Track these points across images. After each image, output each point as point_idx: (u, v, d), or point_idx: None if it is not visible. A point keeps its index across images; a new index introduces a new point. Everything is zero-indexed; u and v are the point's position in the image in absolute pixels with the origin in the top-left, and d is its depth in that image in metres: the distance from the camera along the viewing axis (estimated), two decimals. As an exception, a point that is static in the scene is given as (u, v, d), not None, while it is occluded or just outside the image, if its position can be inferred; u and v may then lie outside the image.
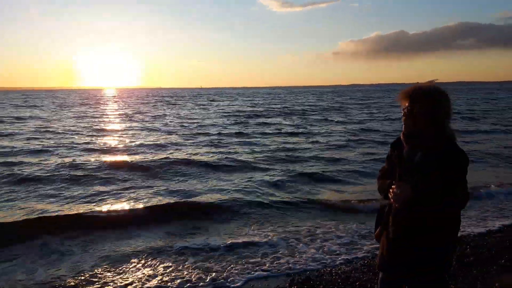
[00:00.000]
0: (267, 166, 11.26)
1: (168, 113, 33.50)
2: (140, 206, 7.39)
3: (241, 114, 31.49)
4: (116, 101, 61.38)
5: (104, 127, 22.24)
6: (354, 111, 33.91)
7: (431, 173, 2.24)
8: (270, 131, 19.88)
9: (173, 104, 49.66)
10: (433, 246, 2.28)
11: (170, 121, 25.73)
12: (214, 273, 4.76)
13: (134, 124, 24.34)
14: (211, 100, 60.72)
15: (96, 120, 27.33)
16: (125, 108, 42.19)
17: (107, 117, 30.03)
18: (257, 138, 17.65)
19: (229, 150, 14.00)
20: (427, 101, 2.27)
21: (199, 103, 52.53)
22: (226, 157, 12.40)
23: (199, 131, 19.96)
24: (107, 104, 52.01)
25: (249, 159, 12.23)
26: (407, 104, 2.32)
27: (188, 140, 16.94)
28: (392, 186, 2.34)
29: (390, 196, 2.34)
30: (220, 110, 37.06)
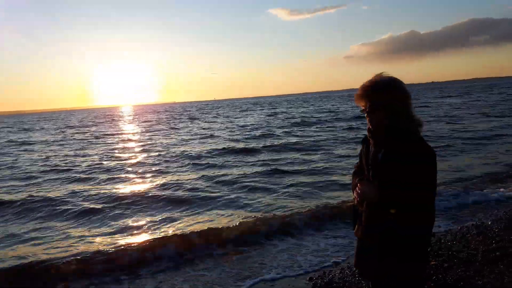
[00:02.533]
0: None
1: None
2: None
3: (315, 120, 29.57)
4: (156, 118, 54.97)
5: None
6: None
7: (391, 174, 2.19)
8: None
9: (226, 116, 45.99)
10: (396, 245, 2.21)
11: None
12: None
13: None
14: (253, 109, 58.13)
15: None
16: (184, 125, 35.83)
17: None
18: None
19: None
20: (376, 93, 2.24)
21: (252, 112, 48.29)
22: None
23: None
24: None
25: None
26: (363, 104, 2.30)
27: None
28: (358, 186, 2.32)
29: (353, 195, 2.34)
30: (283, 118, 35.34)
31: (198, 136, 23.36)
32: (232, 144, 18.19)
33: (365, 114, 2.31)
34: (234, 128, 28.01)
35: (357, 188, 2.33)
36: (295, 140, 18.24)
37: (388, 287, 2.32)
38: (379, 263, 2.30)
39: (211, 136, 23.13)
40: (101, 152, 18.68)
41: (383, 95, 2.21)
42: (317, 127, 24.47)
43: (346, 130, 21.99)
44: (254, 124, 30.29)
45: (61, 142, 24.96)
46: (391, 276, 2.29)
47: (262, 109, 57.69)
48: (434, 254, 4.96)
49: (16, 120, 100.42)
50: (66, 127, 44.21)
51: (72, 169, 13.75)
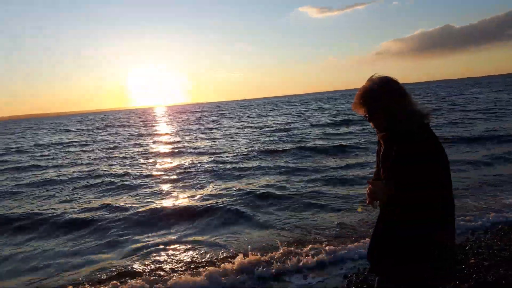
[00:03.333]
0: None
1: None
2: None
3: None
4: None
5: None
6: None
7: (396, 174, 2.20)
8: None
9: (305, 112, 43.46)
10: (394, 246, 2.25)
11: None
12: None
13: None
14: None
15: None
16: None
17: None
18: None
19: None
20: (371, 100, 2.24)
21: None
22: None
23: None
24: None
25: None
26: (361, 112, 2.31)
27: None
28: (369, 185, 2.35)
29: (366, 194, 2.37)
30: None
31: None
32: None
33: (368, 121, 2.33)
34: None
35: (368, 188, 2.36)
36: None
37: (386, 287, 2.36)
38: (379, 263, 2.35)
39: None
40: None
41: (378, 100, 2.22)
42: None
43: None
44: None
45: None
46: (388, 277, 2.33)
47: (308, 107, 55.47)
48: (474, 252, 4.84)
49: (67, 120, 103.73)
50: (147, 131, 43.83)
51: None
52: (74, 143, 27.03)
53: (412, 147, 2.14)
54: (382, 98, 2.20)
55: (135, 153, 18.81)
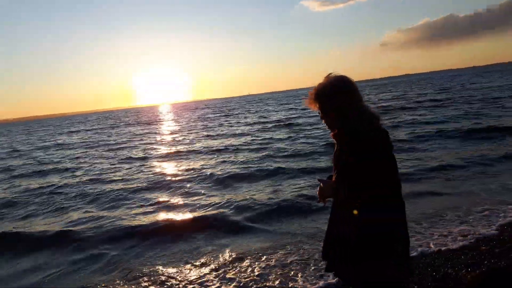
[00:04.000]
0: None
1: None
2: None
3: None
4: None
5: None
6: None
7: (344, 174, 2.26)
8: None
9: None
10: (347, 248, 2.27)
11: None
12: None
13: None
14: None
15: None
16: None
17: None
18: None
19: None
20: (325, 97, 2.29)
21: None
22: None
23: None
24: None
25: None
26: (315, 108, 2.37)
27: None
28: (320, 184, 2.44)
29: (317, 192, 2.46)
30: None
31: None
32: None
33: (321, 118, 2.40)
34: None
35: (318, 186, 2.44)
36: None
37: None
38: (336, 263, 2.40)
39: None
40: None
41: (330, 99, 2.28)
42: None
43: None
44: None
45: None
46: (348, 278, 2.37)
47: None
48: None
49: (72, 121, 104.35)
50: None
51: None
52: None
53: (360, 146, 2.18)
54: (336, 96, 2.26)
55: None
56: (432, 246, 4.89)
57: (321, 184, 2.41)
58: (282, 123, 25.02)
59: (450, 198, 6.86)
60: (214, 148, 16.61)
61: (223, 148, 16.40)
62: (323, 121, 2.38)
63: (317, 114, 2.39)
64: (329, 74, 2.33)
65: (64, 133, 43.23)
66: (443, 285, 3.75)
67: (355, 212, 2.22)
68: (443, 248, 4.77)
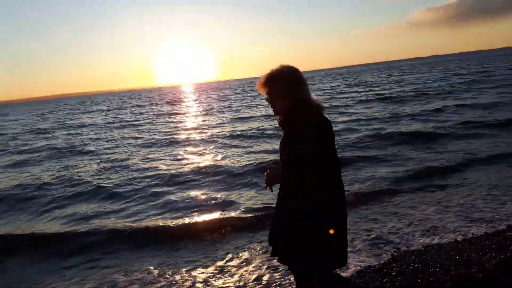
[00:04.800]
0: None
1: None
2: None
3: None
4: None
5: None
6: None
7: (283, 158, 2.42)
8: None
9: None
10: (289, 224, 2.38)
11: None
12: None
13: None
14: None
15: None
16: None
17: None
18: None
19: None
20: (273, 82, 2.44)
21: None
22: None
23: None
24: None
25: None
26: (264, 92, 2.50)
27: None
28: (268, 171, 2.61)
29: (264, 178, 2.63)
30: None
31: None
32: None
33: (268, 103, 2.53)
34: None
35: (266, 173, 2.61)
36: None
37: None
38: (279, 249, 2.51)
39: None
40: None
41: (277, 84, 2.43)
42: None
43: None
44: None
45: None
46: (291, 264, 2.55)
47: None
48: None
49: (97, 99, 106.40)
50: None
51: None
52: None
53: (300, 132, 2.31)
54: (283, 82, 2.41)
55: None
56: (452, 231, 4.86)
57: (269, 171, 2.56)
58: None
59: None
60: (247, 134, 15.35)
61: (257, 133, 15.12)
62: (269, 105, 2.52)
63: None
64: (281, 65, 2.48)
65: (93, 111, 44.14)
66: (466, 270, 3.73)
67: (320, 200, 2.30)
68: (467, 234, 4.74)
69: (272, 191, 2.67)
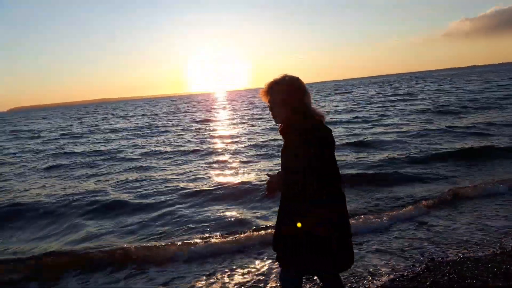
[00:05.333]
0: None
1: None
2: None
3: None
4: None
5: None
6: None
7: (287, 164, 2.50)
8: None
9: None
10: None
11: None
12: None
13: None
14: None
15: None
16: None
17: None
18: None
19: None
20: (275, 91, 2.50)
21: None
22: None
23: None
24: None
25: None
26: (266, 101, 2.57)
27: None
28: (269, 178, 2.62)
29: (265, 186, 2.64)
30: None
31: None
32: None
33: (270, 111, 2.58)
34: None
35: (267, 180, 2.62)
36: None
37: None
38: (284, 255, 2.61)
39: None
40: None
41: (279, 92, 2.48)
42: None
43: None
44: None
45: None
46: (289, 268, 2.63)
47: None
48: None
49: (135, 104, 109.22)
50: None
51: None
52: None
53: (299, 140, 2.37)
54: (284, 91, 2.47)
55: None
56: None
57: (270, 178, 2.59)
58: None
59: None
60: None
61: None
62: (271, 113, 2.57)
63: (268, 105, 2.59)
64: (284, 74, 2.54)
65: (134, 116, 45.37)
66: (505, 282, 3.64)
67: (320, 204, 2.37)
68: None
69: (273, 198, 2.74)
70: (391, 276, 4.11)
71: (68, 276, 4.95)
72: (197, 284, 4.41)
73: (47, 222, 7.39)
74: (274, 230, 2.69)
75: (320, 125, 2.46)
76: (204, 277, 4.55)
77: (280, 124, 2.58)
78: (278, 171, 2.66)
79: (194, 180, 9.70)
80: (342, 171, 8.57)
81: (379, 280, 4.05)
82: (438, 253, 4.63)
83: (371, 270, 4.33)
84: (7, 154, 18.59)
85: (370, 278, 4.14)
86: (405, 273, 4.15)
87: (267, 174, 2.62)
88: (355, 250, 4.83)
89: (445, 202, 6.52)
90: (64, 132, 29.43)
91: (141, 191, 8.97)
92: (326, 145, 2.39)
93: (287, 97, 2.46)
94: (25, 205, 8.35)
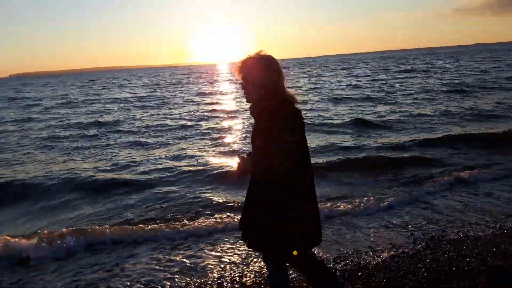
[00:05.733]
0: None
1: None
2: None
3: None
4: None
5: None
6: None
7: (254, 146, 2.46)
8: None
9: None
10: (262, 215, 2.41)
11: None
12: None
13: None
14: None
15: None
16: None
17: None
18: None
19: None
20: (248, 68, 2.44)
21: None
22: None
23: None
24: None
25: None
26: (239, 77, 2.50)
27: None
28: (239, 160, 2.62)
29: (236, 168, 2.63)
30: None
31: None
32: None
33: (242, 88, 2.52)
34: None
35: (237, 162, 2.63)
36: None
37: None
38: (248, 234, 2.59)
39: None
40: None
41: (252, 70, 2.43)
42: None
43: None
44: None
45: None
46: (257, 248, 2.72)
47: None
48: None
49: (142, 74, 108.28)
50: None
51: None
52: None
53: (270, 122, 2.31)
54: (258, 69, 2.41)
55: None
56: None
57: (240, 160, 2.58)
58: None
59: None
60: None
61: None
62: (243, 91, 2.52)
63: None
64: (259, 51, 2.47)
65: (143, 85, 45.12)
66: (504, 262, 3.72)
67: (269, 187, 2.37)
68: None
69: (243, 181, 2.68)
70: (392, 253, 4.21)
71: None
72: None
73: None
74: (246, 218, 2.57)
75: (290, 108, 2.41)
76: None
77: (251, 105, 2.51)
78: (249, 152, 2.64)
79: (184, 158, 9.57)
80: (347, 154, 8.90)
81: (379, 256, 4.15)
82: (438, 231, 4.73)
83: (372, 246, 4.44)
84: (4, 122, 18.66)
85: (371, 253, 4.24)
86: (406, 250, 4.25)
87: (238, 156, 2.63)
88: (359, 228, 4.96)
89: (449, 184, 6.58)
90: (63, 101, 29.32)
91: (137, 169, 8.80)
92: (295, 130, 2.37)
93: (260, 76, 2.41)
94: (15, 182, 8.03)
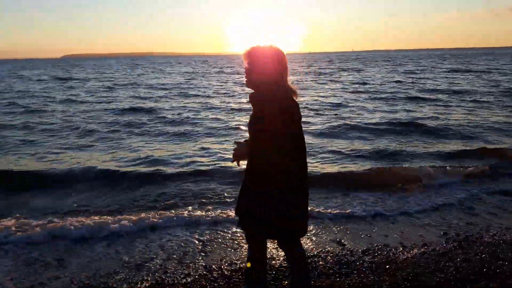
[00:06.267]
0: None
1: None
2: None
3: None
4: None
5: None
6: None
7: (253, 131, 2.46)
8: None
9: None
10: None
11: None
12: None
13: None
14: None
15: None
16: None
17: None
18: None
19: None
20: (255, 58, 2.47)
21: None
22: None
23: None
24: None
25: None
26: (246, 63, 2.51)
27: None
28: (236, 146, 2.65)
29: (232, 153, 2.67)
30: None
31: None
32: None
33: (245, 73, 2.55)
34: None
35: (235, 148, 2.65)
36: None
37: None
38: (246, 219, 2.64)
39: None
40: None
41: (259, 59, 2.46)
42: None
43: None
44: None
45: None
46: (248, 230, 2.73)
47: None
48: None
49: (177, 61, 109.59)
50: None
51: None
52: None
53: (268, 112, 2.36)
54: (266, 59, 2.46)
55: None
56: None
57: (237, 146, 2.63)
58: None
59: None
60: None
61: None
62: (245, 76, 2.55)
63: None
64: (270, 44, 2.53)
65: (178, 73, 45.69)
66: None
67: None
68: None
69: (239, 166, 2.73)
70: (422, 250, 4.21)
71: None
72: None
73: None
74: (241, 208, 2.65)
75: (289, 101, 2.45)
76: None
77: (251, 92, 2.55)
78: (245, 139, 2.68)
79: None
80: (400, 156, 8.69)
81: (409, 252, 4.16)
82: (474, 233, 4.67)
83: (403, 242, 4.47)
84: (52, 101, 19.41)
85: (401, 248, 4.26)
86: (437, 248, 4.24)
87: (235, 142, 2.68)
88: (391, 225, 5.00)
89: (490, 188, 6.47)
90: (110, 85, 29.75)
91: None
92: (291, 122, 2.42)
93: (266, 66, 2.44)
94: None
